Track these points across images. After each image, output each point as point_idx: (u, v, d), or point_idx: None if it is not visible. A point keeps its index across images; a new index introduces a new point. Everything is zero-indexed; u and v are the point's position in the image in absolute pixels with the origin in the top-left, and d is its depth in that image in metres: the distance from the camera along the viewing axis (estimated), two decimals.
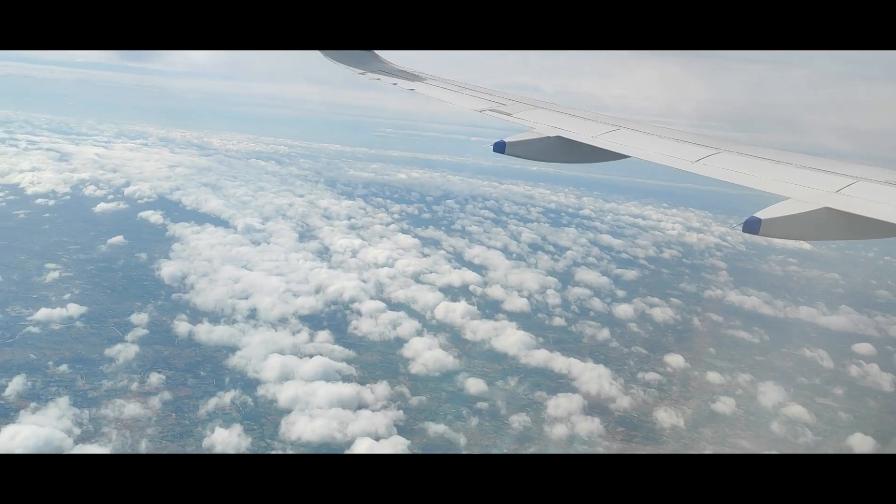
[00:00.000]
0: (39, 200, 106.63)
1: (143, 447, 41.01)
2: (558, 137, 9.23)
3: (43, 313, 58.84)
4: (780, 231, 6.53)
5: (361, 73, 13.67)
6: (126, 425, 43.60)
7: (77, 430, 41.84)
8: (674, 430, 52.02)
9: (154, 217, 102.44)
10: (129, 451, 40.38)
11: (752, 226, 6.34)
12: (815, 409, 57.62)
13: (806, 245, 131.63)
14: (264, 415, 47.29)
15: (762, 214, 6.43)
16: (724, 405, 56.46)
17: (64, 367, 50.19)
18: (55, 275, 70.02)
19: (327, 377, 52.51)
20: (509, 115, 10.45)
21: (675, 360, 64.76)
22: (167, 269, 74.49)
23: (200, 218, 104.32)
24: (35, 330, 56.48)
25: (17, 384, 46.07)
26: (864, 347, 72.01)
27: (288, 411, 47.26)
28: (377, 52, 14.55)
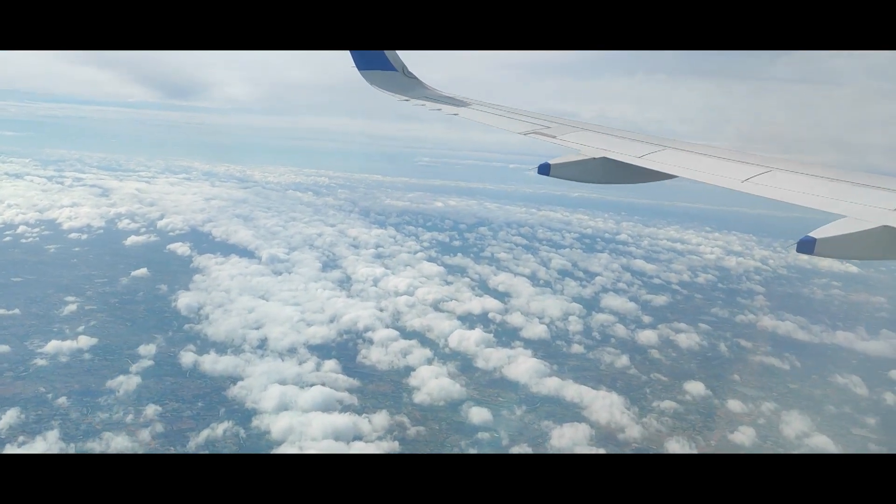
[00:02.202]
0: (73, 235, 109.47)
1: None
2: (604, 158, 9.12)
3: (53, 346, 59.50)
4: (835, 251, 6.30)
5: (405, 100, 13.52)
6: None
7: None
8: None
9: (181, 249, 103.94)
10: None
11: (807, 245, 6.11)
12: (843, 439, 54.35)
13: (853, 268, 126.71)
14: (255, 447, 46.47)
15: (817, 234, 6.21)
16: (744, 435, 53.61)
17: (63, 400, 50.38)
18: (73, 307, 71.10)
19: (326, 407, 51.61)
20: (553, 136, 10.35)
21: (695, 387, 62.05)
22: (183, 300, 74.99)
23: (227, 249, 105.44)
24: (43, 363, 57.02)
25: (10, 417, 46.33)
26: None
27: (280, 443, 46.41)
28: (421, 79, 14.56)
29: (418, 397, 56.24)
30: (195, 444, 45.70)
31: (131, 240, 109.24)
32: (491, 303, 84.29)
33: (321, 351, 64.38)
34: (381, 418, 50.94)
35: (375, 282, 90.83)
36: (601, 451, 49.23)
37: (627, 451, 50.70)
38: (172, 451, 45.52)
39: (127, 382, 53.66)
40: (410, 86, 14.03)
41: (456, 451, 48.57)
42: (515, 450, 48.92)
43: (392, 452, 46.01)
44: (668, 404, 58.39)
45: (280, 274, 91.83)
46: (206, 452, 44.63)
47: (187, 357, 59.65)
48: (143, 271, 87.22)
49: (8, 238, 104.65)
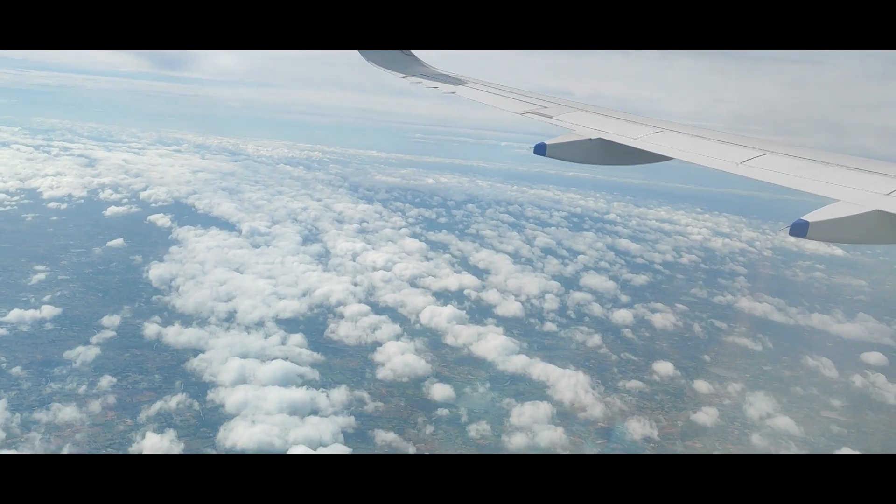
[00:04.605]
0: (52, 204, 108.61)
1: (67, 451, 40.14)
2: (600, 139, 9.14)
3: (15, 315, 58.92)
4: (827, 234, 6.32)
5: (402, 77, 13.55)
6: (57, 429, 42.91)
7: (1, 434, 41.23)
8: (645, 441, 49.22)
9: (162, 220, 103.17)
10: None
11: (800, 229, 6.16)
12: (805, 421, 54.07)
13: (839, 251, 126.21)
14: (209, 420, 46.10)
15: (810, 217, 6.24)
16: (706, 416, 53.33)
17: (17, 370, 49.90)
18: (41, 277, 70.42)
19: (286, 382, 51.19)
20: (550, 117, 10.40)
21: (664, 367, 61.68)
22: (155, 272, 74.39)
23: (209, 221, 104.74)
24: (3, 332, 56.47)
25: None
26: (873, 357, 67.67)
27: (233, 416, 46.04)
28: (416, 54, 14.49)
29: (382, 373, 55.86)
30: (146, 415, 45.31)
31: (112, 210, 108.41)
32: (469, 279, 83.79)
33: (289, 325, 63.88)
34: (340, 393, 50.56)
35: (354, 257, 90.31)
36: (559, 429, 48.91)
37: (591, 429, 50.49)
38: (128, 422, 45.11)
39: (85, 353, 53.15)
40: (407, 62, 14.00)
41: (414, 426, 48.25)
42: (473, 427, 48.63)
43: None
44: (634, 384, 58.10)
45: (258, 247, 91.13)
46: (151, 429, 44.16)
47: (151, 329, 59.15)
48: (118, 242, 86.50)
49: None
